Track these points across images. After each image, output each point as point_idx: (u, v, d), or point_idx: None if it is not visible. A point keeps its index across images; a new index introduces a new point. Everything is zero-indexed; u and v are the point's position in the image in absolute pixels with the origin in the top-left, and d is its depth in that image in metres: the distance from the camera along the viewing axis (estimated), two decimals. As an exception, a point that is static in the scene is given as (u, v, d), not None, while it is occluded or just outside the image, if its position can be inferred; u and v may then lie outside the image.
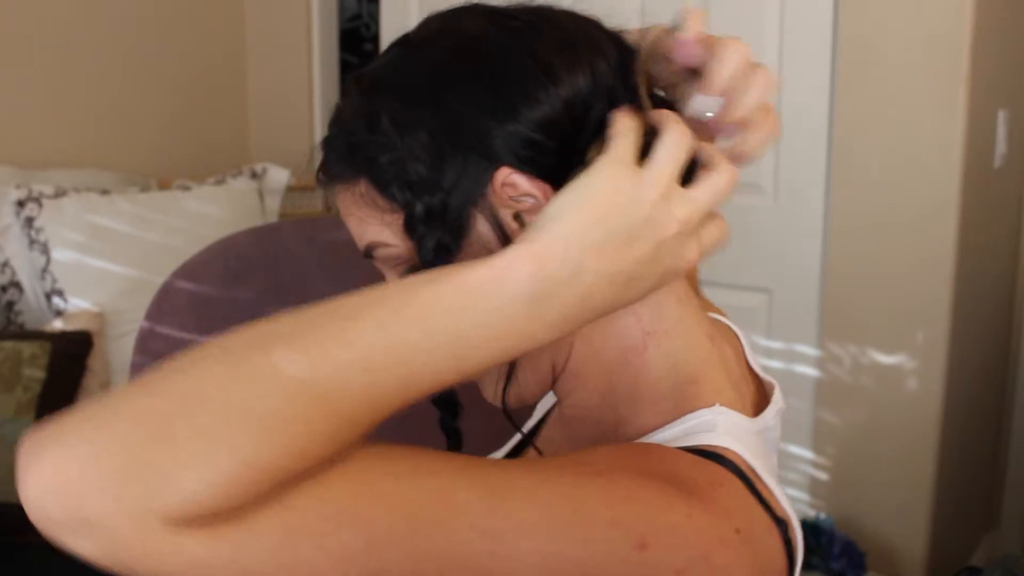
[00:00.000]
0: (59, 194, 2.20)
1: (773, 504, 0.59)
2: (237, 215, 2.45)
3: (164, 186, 2.51)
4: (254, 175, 2.61)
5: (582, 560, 0.49)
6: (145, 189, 2.44)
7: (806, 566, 1.90)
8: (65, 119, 2.53)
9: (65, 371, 1.94)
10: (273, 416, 0.45)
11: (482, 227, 0.60)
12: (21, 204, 2.15)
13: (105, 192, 2.29)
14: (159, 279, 1.05)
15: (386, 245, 0.62)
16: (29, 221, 2.15)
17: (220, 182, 2.55)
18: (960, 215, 1.89)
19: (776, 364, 2.13)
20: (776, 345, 2.12)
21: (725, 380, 0.66)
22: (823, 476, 2.09)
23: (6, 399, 1.84)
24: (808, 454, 2.10)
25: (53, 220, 2.16)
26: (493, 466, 0.53)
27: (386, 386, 0.49)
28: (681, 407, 0.63)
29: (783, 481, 2.16)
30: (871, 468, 2.03)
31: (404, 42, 0.64)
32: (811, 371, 2.08)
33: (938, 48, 1.85)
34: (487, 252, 0.57)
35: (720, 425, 0.61)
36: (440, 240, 0.59)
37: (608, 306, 0.54)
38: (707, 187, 0.56)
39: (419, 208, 0.59)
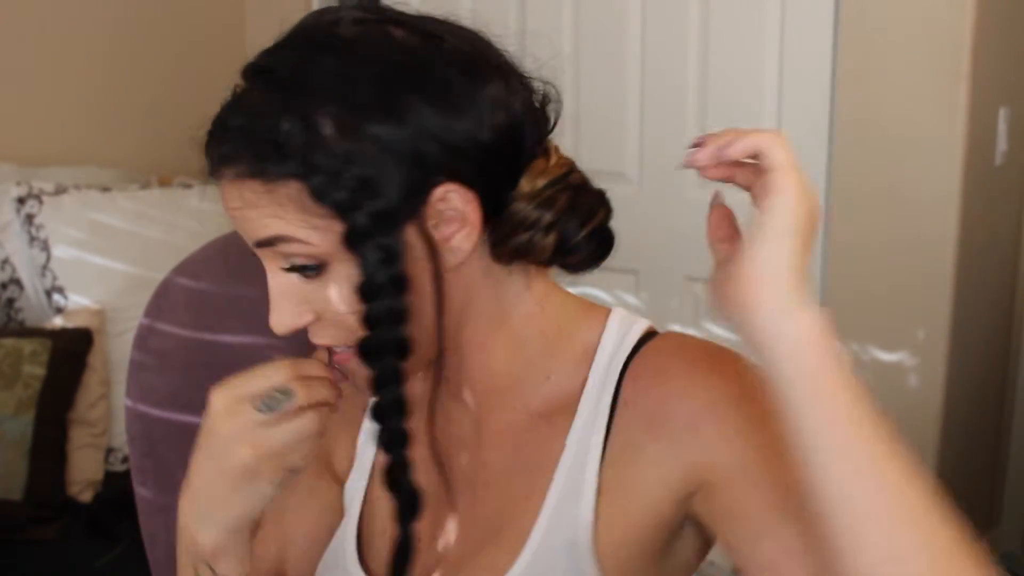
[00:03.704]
0: (59, 191, 2.20)
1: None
2: (237, 212, 2.45)
3: (165, 183, 2.50)
4: (254, 172, 2.61)
5: None
6: (146, 186, 2.43)
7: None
8: (66, 116, 2.52)
9: (65, 368, 1.93)
10: None
11: (412, 238, 0.62)
12: (21, 201, 2.15)
13: (106, 189, 2.29)
14: (160, 276, 1.05)
15: (300, 242, 0.62)
16: (29, 218, 2.15)
17: (221, 179, 2.55)
18: (961, 213, 1.88)
19: (776, 362, 2.12)
20: (777, 343, 2.11)
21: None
22: (823, 474, 2.08)
23: (6, 396, 1.84)
24: (808, 452, 2.10)
25: (53, 217, 2.15)
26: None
27: None
28: (595, 326, 0.73)
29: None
30: (871, 466, 2.03)
31: (331, 45, 0.66)
32: (811, 369, 2.08)
33: (939, 46, 1.84)
34: (417, 263, 0.62)
35: (635, 319, 0.73)
36: (385, 250, 0.61)
37: None
38: None
39: (362, 217, 0.60)
